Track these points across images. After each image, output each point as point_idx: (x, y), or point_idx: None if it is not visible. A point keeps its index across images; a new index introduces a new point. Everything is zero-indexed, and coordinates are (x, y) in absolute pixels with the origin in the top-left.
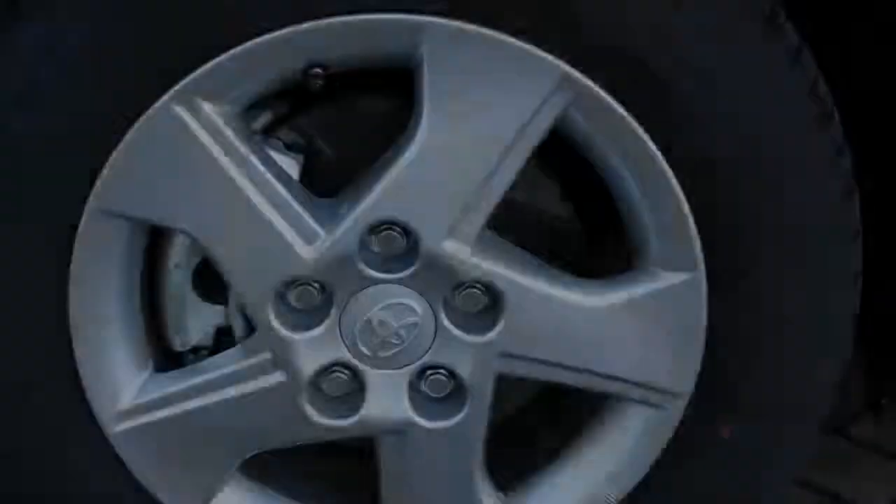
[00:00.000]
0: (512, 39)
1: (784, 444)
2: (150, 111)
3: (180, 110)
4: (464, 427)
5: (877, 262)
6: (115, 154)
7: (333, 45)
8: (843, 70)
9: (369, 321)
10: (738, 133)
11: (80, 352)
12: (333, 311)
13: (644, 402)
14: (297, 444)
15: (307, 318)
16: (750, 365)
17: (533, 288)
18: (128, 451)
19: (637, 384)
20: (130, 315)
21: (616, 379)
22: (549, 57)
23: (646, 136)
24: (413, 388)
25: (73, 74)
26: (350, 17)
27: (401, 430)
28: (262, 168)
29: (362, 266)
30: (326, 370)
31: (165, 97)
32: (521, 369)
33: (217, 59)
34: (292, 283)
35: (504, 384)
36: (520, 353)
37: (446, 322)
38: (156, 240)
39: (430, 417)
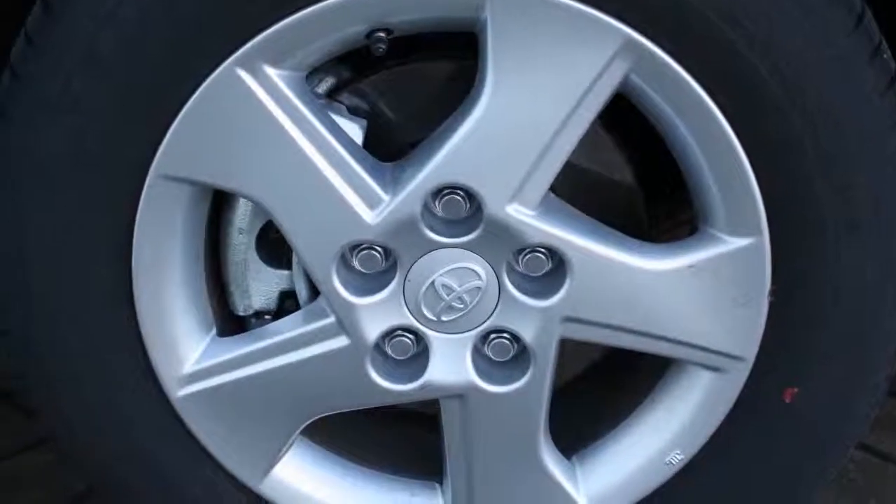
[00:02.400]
0: (575, 3)
1: (845, 409)
2: (214, 75)
3: (244, 74)
4: (527, 391)
5: None
6: (179, 118)
7: (397, 9)
8: None
9: (433, 285)
10: (801, 98)
11: (143, 317)
12: (397, 276)
13: (708, 366)
14: (361, 408)
15: (371, 282)
16: (812, 330)
17: (597, 252)
18: (191, 416)
19: (700, 348)
20: (194, 280)
21: (679, 343)
22: (612, 21)
23: (710, 101)
24: (476, 352)
25: (137, 39)
26: None
27: (464, 395)
28: (325, 132)
29: (426, 230)
30: (390, 334)
31: (229, 61)
32: (584, 333)
33: (281, 23)
34: (356, 247)
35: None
36: (583, 317)
37: (510, 286)
38: (219, 205)
39: (493, 381)
